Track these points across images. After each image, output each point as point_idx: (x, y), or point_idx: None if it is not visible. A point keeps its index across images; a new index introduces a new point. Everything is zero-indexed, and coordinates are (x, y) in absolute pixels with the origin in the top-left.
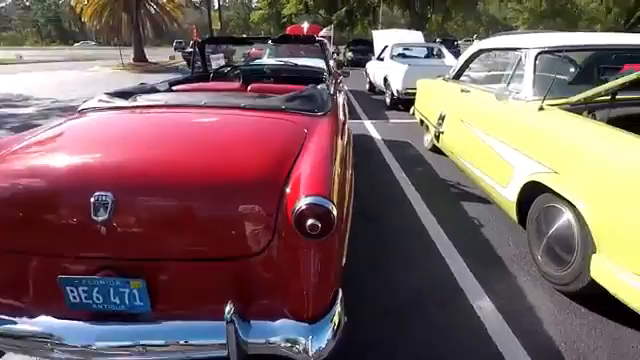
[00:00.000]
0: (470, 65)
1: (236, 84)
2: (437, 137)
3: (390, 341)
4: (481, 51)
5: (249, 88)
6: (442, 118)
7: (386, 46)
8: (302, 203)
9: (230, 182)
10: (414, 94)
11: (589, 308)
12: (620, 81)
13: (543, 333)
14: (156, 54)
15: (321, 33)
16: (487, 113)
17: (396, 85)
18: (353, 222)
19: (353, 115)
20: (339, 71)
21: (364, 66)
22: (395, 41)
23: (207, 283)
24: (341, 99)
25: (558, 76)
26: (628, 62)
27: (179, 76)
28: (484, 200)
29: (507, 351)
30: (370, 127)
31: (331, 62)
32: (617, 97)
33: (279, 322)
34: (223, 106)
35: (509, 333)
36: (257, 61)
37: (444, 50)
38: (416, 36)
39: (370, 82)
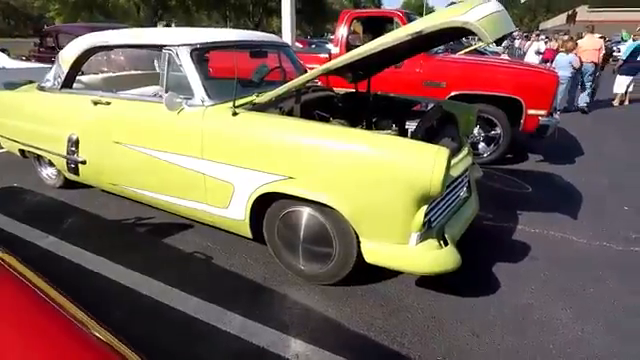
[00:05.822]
0: (82, 69)
1: None
2: (75, 170)
3: None
4: (95, 49)
5: None
6: (75, 144)
7: None
8: None
9: None
10: None
11: (345, 284)
12: (303, 79)
13: (343, 333)
14: None
15: None
16: (163, 128)
17: None
18: None
19: None
20: None
21: None
22: None
23: None
24: None
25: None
26: (257, 56)
27: None
28: (188, 226)
29: None
30: None
31: None
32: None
33: None
34: None
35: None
36: None
37: None
38: None
39: None
